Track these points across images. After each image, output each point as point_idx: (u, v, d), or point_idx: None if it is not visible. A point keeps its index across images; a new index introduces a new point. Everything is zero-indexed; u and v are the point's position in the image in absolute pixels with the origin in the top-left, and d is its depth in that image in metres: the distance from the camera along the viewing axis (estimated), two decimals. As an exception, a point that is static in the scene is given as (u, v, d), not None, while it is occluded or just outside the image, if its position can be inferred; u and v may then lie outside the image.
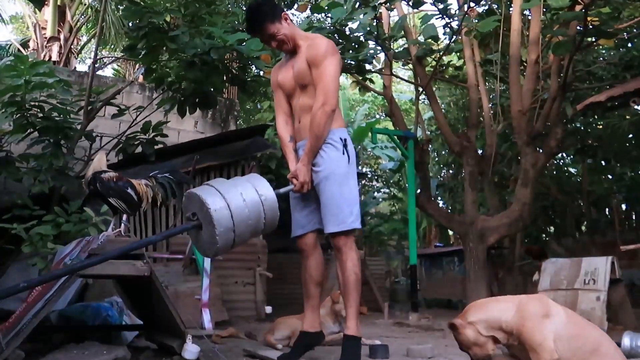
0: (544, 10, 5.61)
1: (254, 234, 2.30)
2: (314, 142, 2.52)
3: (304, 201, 2.66)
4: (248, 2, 8.75)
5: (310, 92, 2.59)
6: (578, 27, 5.06)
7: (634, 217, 9.71)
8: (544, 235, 10.26)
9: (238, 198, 2.15)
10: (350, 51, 5.36)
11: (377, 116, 15.35)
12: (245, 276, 5.46)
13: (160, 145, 5.16)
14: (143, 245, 2.42)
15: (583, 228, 9.94)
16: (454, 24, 5.58)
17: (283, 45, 2.65)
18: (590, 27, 4.73)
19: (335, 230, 2.52)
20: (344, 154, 2.57)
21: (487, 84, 7.05)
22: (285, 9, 2.71)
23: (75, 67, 9.64)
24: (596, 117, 7.81)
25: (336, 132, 2.59)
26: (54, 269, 2.84)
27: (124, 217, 2.80)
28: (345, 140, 2.60)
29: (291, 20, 2.72)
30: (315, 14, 6.92)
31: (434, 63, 6.33)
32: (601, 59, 7.13)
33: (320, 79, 2.52)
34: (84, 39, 11.88)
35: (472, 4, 5.27)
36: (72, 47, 9.43)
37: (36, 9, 9.06)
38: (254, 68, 5.68)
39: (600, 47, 6.89)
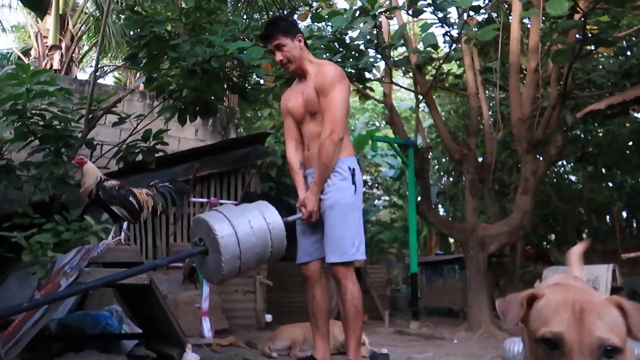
0: (543, 18, 5.63)
1: (260, 262, 2.29)
2: (322, 172, 2.52)
3: (311, 228, 2.64)
4: (248, 11, 8.80)
5: (319, 119, 2.59)
6: (577, 36, 5.09)
7: (634, 225, 9.70)
8: (544, 243, 10.24)
9: (246, 225, 2.14)
10: (351, 59, 5.38)
11: (378, 124, 15.38)
12: (246, 284, 5.45)
13: (160, 153, 5.17)
14: (147, 270, 2.41)
15: (584, 236, 9.92)
16: (454, 33, 5.61)
17: (287, 62, 2.65)
18: (590, 35, 4.75)
19: (335, 260, 2.51)
20: (352, 183, 2.56)
21: (487, 91, 7.07)
22: (302, 33, 2.72)
23: (76, 76, 9.67)
24: (596, 124, 7.82)
25: (345, 161, 2.58)
26: (53, 278, 2.83)
27: (124, 225, 2.80)
28: (353, 169, 2.59)
29: (306, 45, 2.73)
30: (315, 23, 6.95)
31: (434, 71, 6.35)
32: (600, 67, 7.15)
33: (328, 107, 2.52)
34: (85, 47, 11.92)
35: (471, 13, 5.29)
36: (73, 55, 9.46)
37: (38, 18, 9.12)
38: (254, 76, 5.70)
39: (600, 55, 6.92)
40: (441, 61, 6.08)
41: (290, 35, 2.62)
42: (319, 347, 2.63)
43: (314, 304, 2.62)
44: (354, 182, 2.57)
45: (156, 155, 5.06)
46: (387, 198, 13.75)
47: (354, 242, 2.52)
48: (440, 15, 5.35)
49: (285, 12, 8.57)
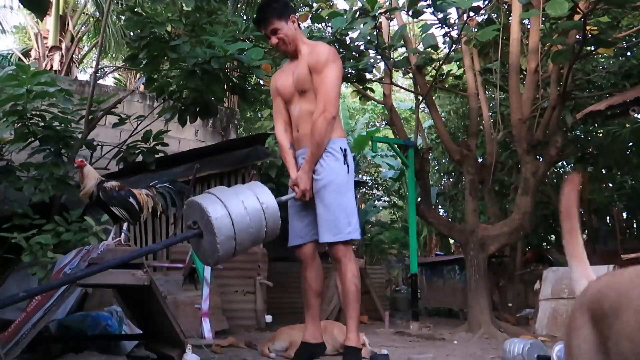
0: (543, 19, 5.63)
1: (255, 242, 2.29)
2: (315, 150, 2.51)
3: (303, 211, 2.65)
4: (249, 12, 8.80)
5: (309, 98, 2.59)
6: (577, 36, 5.09)
7: (635, 226, 9.69)
8: (545, 244, 10.23)
9: (239, 206, 2.14)
10: (351, 60, 5.38)
11: (377, 125, 15.38)
12: (246, 285, 5.44)
13: (160, 154, 5.17)
14: (143, 254, 2.42)
15: (584, 237, 9.91)
16: (454, 33, 5.60)
17: (283, 44, 2.65)
18: (590, 36, 4.75)
19: (331, 240, 2.51)
20: (344, 163, 2.57)
21: (486, 92, 7.07)
22: (295, 12, 2.72)
23: (76, 76, 9.67)
24: (596, 125, 7.81)
25: (337, 142, 2.58)
26: (53, 279, 2.84)
27: (124, 226, 2.80)
28: (345, 150, 2.60)
29: (299, 25, 2.73)
30: (315, 24, 6.96)
31: (433, 72, 6.35)
32: (600, 67, 7.15)
33: (321, 85, 2.52)
34: (86, 48, 11.93)
35: (471, 14, 5.30)
36: (73, 56, 9.47)
37: (38, 19, 9.12)
38: (254, 77, 5.70)
39: (600, 55, 6.92)
40: (441, 62, 6.08)
41: (284, 18, 2.62)
42: (310, 328, 2.64)
43: (306, 284, 2.64)
44: (346, 162, 2.57)
45: (156, 156, 5.07)
46: (387, 199, 13.74)
47: (349, 221, 2.52)
48: (440, 16, 5.35)
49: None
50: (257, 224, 2.17)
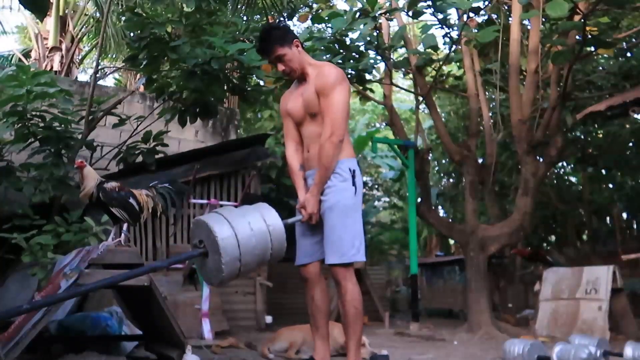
0: (543, 20, 5.64)
1: (260, 264, 2.29)
2: (322, 174, 2.51)
3: (311, 230, 2.63)
4: (249, 13, 8.81)
5: (319, 120, 2.58)
6: (577, 37, 5.09)
7: (635, 226, 9.69)
8: (545, 245, 10.23)
9: (245, 227, 2.14)
10: (351, 61, 5.38)
11: (378, 125, 15.39)
12: (246, 286, 5.45)
13: (160, 155, 5.17)
14: (147, 272, 2.41)
15: (584, 237, 9.92)
16: (454, 34, 5.61)
17: (289, 70, 2.64)
18: (589, 36, 4.76)
19: (335, 262, 2.50)
20: (352, 185, 2.56)
21: (487, 93, 7.07)
22: (297, 37, 2.70)
23: (76, 77, 9.67)
24: (596, 126, 7.82)
25: (345, 162, 2.57)
26: (53, 279, 2.84)
27: (124, 226, 2.80)
28: (354, 171, 2.58)
29: (303, 47, 2.72)
30: (315, 25, 6.96)
31: (434, 72, 6.36)
32: (600, 68, 7.15)
33: (329, 109, 2.51)
34: (86, 49, 11.93)
35: (471, 14, 5.30)
36: (73, 57, 9.46)
37: (38, 20, 9.12)
38: (254, 78, 5.70)
39: (600, 56, 6.92)
40: (441, 62, 6.08)
41: (287, 44, 2.60)
42: (319, 349, 2.63)
43: (313, 306, 2.62)
44: (354, 184, 2.56)
45: (156, 156, 5.06)
46: (387, 199, 13.76)
47: (353, 244, 2.51)
48: (440, 16, 5.36)
49: (285, 14, 8.58)
50: (262, 245, 2.17)
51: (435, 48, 5.84)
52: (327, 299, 2.68)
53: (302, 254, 2.66)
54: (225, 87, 4.97)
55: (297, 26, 10.15)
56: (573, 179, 10.50)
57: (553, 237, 10.75)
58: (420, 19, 5.81)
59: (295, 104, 2.67)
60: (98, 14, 9.29)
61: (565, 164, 9.61)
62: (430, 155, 7.81)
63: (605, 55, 6.99)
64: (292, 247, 2.76)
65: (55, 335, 3.15)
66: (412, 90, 7.01)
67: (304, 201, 2.54)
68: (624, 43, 6.43)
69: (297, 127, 2.72)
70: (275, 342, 3.44)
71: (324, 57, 5.26)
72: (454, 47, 5.77)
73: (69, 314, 3.43)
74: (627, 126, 7.13)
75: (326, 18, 5.49)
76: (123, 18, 6.54)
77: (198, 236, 2.18)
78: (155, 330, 2.93)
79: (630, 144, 8.26)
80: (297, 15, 6.70)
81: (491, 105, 6.97)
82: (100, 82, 9.12)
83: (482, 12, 5.54)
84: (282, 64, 2.62)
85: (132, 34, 5.09)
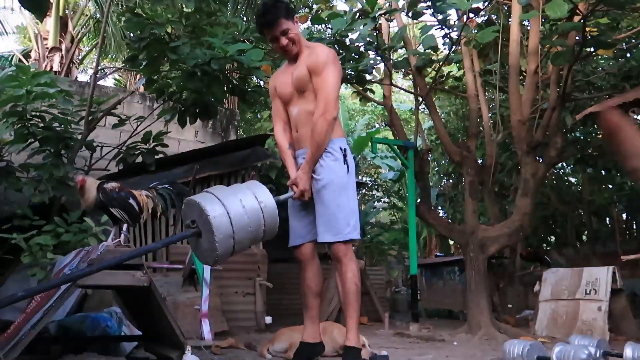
0: (543, 20, 5.64)
1: (253, 241, 2.29)
2: (315, 151, 2.51)
3: (303, 210, 2.65)
4: (249, 14, 8.80)
5: (308, 98, 2.59)
6: (577, 38, 5.09)
7: (634, 227, 9.69)
8: (544, 245, 10.23)
9: (237, 205, 2.14)
10: (351, 61, 5.38)
11: (377, 126, 15.39)
12: (245, 286, 5.44)
13: (160, 155, 5.17)
14: (142, 253, 2.41)
15: (584, 238, 9.92)
16: (454, 35, 5.61)
17: (292, 45, 2.63)
18: (589, 37, 4.76)
19: (330, 240, 2.51)
20: (344, 163, 2.57)
21: (486, 93, 7.07)
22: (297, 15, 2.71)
23: (76, 77, 9.68)
24: (596, 126, 7.82)
25: (336, 142, 2.59)
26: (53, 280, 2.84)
27: (124, 227, 2.80)
28: (345, 150, 2.60)
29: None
30: (315, 25, 6.96)
31: (433, 73, 6.36)
32: (600, 69, 7.16)
33: (321, 87, 2.52)
34: (86, 49, 11.93)
35: (471, 15, 5.30)
36: (73, 57, 9.47)
37: (38, 20, 9.13)
38: (254, 78, 5.70)
39: (599, 57, 6.92)
40: (441, 63, 6.08)
41: (291, 18, 2.61)
42: (309, 329, 2.64)
43: (305, 285, 2.64)
44: (345, 162, 2.57)
45: (156, 157, 5.07)
46: (387, 200, 13.75)
47: (348, 222, 2.52)
48: (440, 17, 5.35)
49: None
50: (255, 222, 2.17)
51: (435, 49, 5.84)
52: (318, 279, 2.68)
53: (295, 235, 2.67)
54: (225, 88, 4.97)
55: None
56: (573, 180, 10.50)
57: (553, 238, 10.75)
58: (420, 19, 5.81)
59: (285, 82, 2.67)
60: (98, 15, 9.30)
61: (565, 164, 9.61)
62: (430, 155, 7.81)
63: (605, 56, 6.99)
64: (287, 246, 2.77)
65: (55, 335, 3.15)
66: (412, 90, 7.02)
67: (296, 178, 2.54)
68: (624, 44, 6.43)
69: (285, 106, 2.72)
70: (275, 342, 3.44)
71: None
72: (453, 47, 5.77)
73: (68, 314, 3.43)
74: (627, 127, 7.12)
75: (326, 19, 5.49)
76: (123, 18, 6.55)
77: (190, 216, 2.18)
78: (155, 330, 2.93)
79: (630, 145, 8.26)
80: (297, 15, 6.68)
81: (491, 106, 6.97)
82: (100, 83, 9.13)
83: (481, 12, 5.54)
84: (285, 37, 2.61)
85: (132, 35, 5.09)
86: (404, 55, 6.66)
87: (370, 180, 14.05)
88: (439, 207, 11.44)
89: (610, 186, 9.28)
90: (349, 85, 6.42)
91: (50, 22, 9.04)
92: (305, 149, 2.59)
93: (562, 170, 10.12)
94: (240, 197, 2.17)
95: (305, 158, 2.54)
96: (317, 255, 2.72)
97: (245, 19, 8.57)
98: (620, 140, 1.00)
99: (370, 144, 7.32)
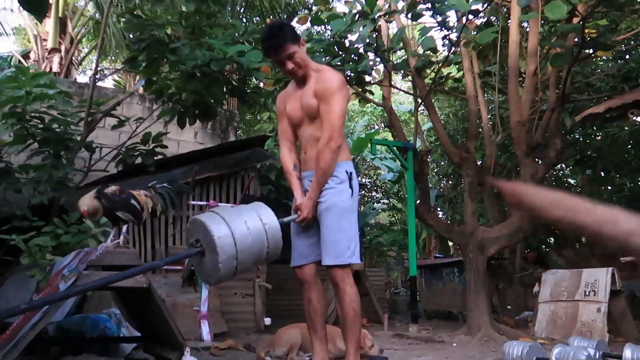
0: (542, 22, 5.64)
1: (256, 262, 2.30)
2: (320, 179, 2.52)
3: (307, 231, 2.64)
4: (249, 15, 8.82)
5: (317, 124, 2.58)
6: (576, 39, 5.10)
7: (634, 228, 9.67)
8: (544, 247, 10.23)
9: (242, 226, 2.15)
10: (350, 63, 5.39)
11: (377, 127, 15.39)
12: (244, 287, 5.44)
13: (160, 156, 5.17)
14: (145, 270, 2.42)
15: (583, 239, 9.91)
16: (453, 36, 5.61)
17: (297, 69, 2.62)
18: (588, 39, 4.77)
19: (331, 263, 2.51)
20: (348, 187, 2.57)
21: (486, 95, 7.07)
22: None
23: (75, 79, 9.67)
24: (595, 128, 7.83)
25: (342, 165, 2.58)
26: (52, 281, 2.83)
27: (124, 228, 2.80)
28: (350, 173, 2.59)
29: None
30: (315, 26, 6.97)
31: (433, 74, 6.36)
32: (599, 70, 7.17)
33: (328, 115, 2.51)
34: (85, 50, 11.94)
35: (470, 16, 5.31)
36: (72, 58, 9.47)
37: (37, 21, 9.12)
38: (254, 79, 5.71)
39: (599, 58, 6.93)
40: (440, 64, 6.09)
41: (297, 42, 2.59)
42: (318, 351, 2.63)
43: (310, 308, 2.62)
44: (350, 186, 2.57)
45: (155, 158, 5.07)
46: (387, 201, 13.75)
47: (349, 246, 2.52)
48: (439, 18, 5.36)
49: (285, 16, 8.58)
50: (259, 244, 2.18)
51: (434, 50, 5.85)
52: (323, 301, 2.68)
53: (298, 255, 2.66)
54: (225, 89, 4.98)
55: (296, 28, 10.09)
56: (572, 181, 10.50)
57: (552, 239, 10.75)
58: (419, 21, 5.82)
59: (295, 107, 2.67)
60: (98, 16, 9.30)
61: (564, 165, 9.62)
62: (430, 157, 7.82)
63: (604, 58, 7.00)
64: (289, 247, 2.76)
65: (54, 337, 3.14)
66: (411, 92, 7.02)
67: (301, 204, 2.54)
68: (623, 45, 6.44)
69: (294, 128, 2.72)
70: (276, 347, 3.43)
71: (324, 59, 5.26)
72: (453, 49, 5.78)
73: (67, 315, 3.43)
74: (626, 128, 7.13)
75: (325, 20, 5.49)
76: (123, 19, 6.55)
77: (195, 235, 2.19)
78: (154, 332, 2.93)
79: (629, 146, 8.27)
80: (296, 17, 6.70)
81: (490, 107, 6.98)
82: (100, 84, 9.14)
83: (481, 14, 5.55)
84: (292, 62, 2.59)
85: (131, 36, 5.10)
86: (403, 56, 6.67)
87: (369, 182, 14.04)
88: (439, 208, 11.43)
89: (610, 187, 9.28)
90: (348, 86, 6.42)
91: (49, 23, 9.04)
92: (311, 171, 2.60)
93: (561, 172, 10.12)
94: (245, 218, 2.19)
95: (311, 185, 2.55)
96: (319, 277, 2.71)
97: (244, 20, 8.58)
98: (529, 203, 1.03)
99: (369, 145, 7.33)
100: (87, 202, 2.58)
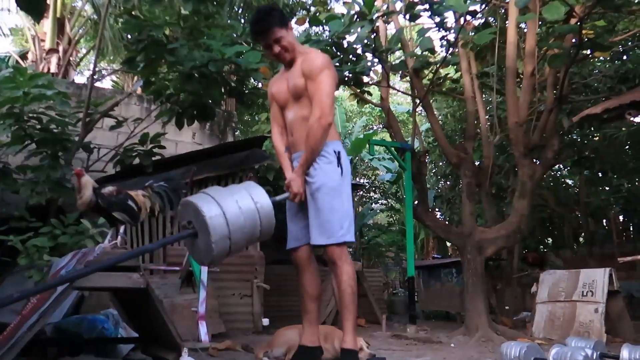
0: (540, 23, 5.66)
1: (250, 242, 2.29)
2: (309, 155, 2.53)
3: (299, 213, 2.65)
4: (247, 15, 8.81)
5: (304, 103, 2.60)
6: (573, 40, 5.11)
7: (631, 229, 9.71)
8: (541, 247, 10.25)
9: (234, 205, 2.14)
10: (348, 63, 5.39)
11: (375, 128, 15.40)
12: (243, 288, 5.44)
13: (158, 157, 5.17)
14: (138, 253, 2.42)
15: (581, 240, 9.93)
16: (451, 37, 5.62)
17: (285, 53, 2.64)
18: (586, 39, 4.78)
19: (323, 242, 2.52)
20: (337, 166, 2.58)
21: (483, 96, 7.08)
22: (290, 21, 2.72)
23: (73, 79, 9.67)
24: (592, 129, 7.84)
25: (330, 145, 2.60)
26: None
27: (121, 229, 2.80)
28: (339, 152, 2.61)
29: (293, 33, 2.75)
30: (313, 27, 6.98)
31: (431, 75, 6.37)
32: (597, 71, 7.18)
33: (317, 92, 2.53)
34: (83, 51, 11.92)
35: (468, 17, 5.31)
36: (70, 59, 9.46)
37: (35, 22, 9.11)
38: (252, 80, 5.71)
39: (596, 59, 6.94)
40: (438, 65, 6.10)
41: (284, 26, 2.62)
42: (307, 332, 2.64)
43: (302, 289, 2.65)
44: (339, 165, 2.58)
45: (153, 158, 5.06)
46: (385, 202, 13.76)
47: (342, 225, 2.53)
48: (437, 19, 5.37)
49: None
50: (251, 223, 2.17)
51: (432, 51, 5.85)
52: (316, 283, 2.69)
53: (292, 238, 2.69)
54: (223, 90, 4.97)
55: (294, 29, 10.09)
56: (570, 182, 10.52)
57: (550, 240, 10.77)
58: (417, 21, 5.82)
59: (281, 88, 2.70)
60: (95, 16, 9.29)
61: (561, 166, 9.63)
62: (428, 157, 7.82)
63: (601, 58, 7.02)
64: (287, 248, 2.77)
65: (51, 337, 3.14)
66: (409, 92, 7.03)
67: (289, 180, 2.55)
68: (620, 46, 6.45)
69: (281, 111, 2.74)
70: (274, 348, 3.42)
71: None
72: (450, 50, 5.78)
73: (65, 316, 3.42)
74: (624, 129, 7.15)
75: (324, 21, 5.50)
76: (121, 20, 6.55)
77: (186, 217, 2.18)
78: (152, 332, 2.93)
79: (627, 147, 8.29)
80: (295, 18, 6.71)
81: (488, 108, 6.99)
82: (98, 84, 9.12)
83: (478, 15, 5.56)
84: (278, 45, 2.62)
85: (129, 36, 5.09)
86: (401, 57, 6.68)
87: (367, 182, 14.05)
88: (437, 209, 11.44)
89: (607, 188, 9.30)
90: (346, 87, 6.42)
91: (47, 24, 9.03)
92: (300, 152, 2.61)
93: (559, 172, 10.13)
94: (237, 197, 2.18)
95: (299, 161, 2.56)
96: (315, 259, 2.72)
97: (242, 21, 8.57)
98: None
99: (367, 145, 7.34)
100: (86, 175, 2.59)
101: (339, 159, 2.59)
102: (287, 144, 2.74)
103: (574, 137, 8.20)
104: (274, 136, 2.78)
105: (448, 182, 11.53)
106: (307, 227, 2.63)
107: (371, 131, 14.33)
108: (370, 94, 6.72)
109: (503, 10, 6.07)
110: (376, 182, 14.04)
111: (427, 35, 5.48)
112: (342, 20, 5.15)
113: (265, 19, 2.61)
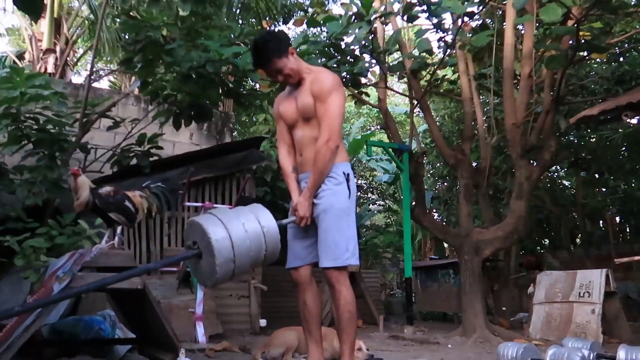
0: (537, 25, 5.67)
1: (254, 265, 2.28)
2: (317, 178, 2.51)
3: (303, 233, 2.63)
4: (245, 16, 8.81)
5: (313, 124, 2.58)
6: (570, 42, 5.13)
7: (628, 230, 9.74)
8: (538, 248, 10.27)
9: (240, 229, 2.13)
10: (346, 65, 5.39)
11: (372, 129, 15.41)
12: (240, 289, 5.43)
13: (155, 157, 5.16)
14: (141, 273, 2.41)
15: (578, 241, 9.96)
16: (448, 38, 5.63)
17: (289, 78, 2.63)
18: (583, 41, 4.79)
19: (329, 265, 2.50)
20: (346, 188, 2.57)
21: (481, 97, 7.10)
22: (291, 44, 2.68)
23: (70, 79, 9.65)
24: (589, 130, 7.87)
25: (339, 166, 2.58)
26: (46, 282, 2.82)
27: (118, 229, 2.79)
28: (348, 174, 2.58)
29: (297, 53, 2.71)
30: (311, 28, 6.98)
31: (428, 76, 6.38)
32: (594, 73, 7.21)
33: (325, 114, 2.51)
34: (80, 51, 11.90)
35: (465, 19, 5.33)
36: (68, 59, 9.44)
37: (32, 22, 9.09)
38: (249, 81, 5.70)
39: (593, 61, 6.97)
40: (436, 67, 6.11)
41: (283, 54, 2.56)
42: (313, 353, 2.63)
43: (305, 310, 2.61)
44: (348, 187, 2.57)
45: (151, 159, 5.05)
46: (382, 202, 13.76)
47: (347, 247, 2.51)
48: (435, 21, 5.38)
49: (280, 18, 8.57)
50: (256, 247, 2.17)
51: (430, 52, 5.87)
52: (318, 303, 2.68)
53: (293, 256, 2.65)
54: (220, 91, 4.97)
55: (292, 30, 10.14)
56: (567, 183, 10.55)
57: (547, 241, 10.79)
58: (415, 23, 5.83)
59: (289, 108, 2.66)
60: (93, 16, 9.27)
61: (559, 168, 9.66)
62: (425, 158, 7.83)
63: (598, 60, 7.04)
64: (285, 249, 2.76)
65: (48, 338, 3.13)
66: (407, 94, 7.04)
67: (297, 204, 2.54)
68: (617, 48, 6.48)
69: (289, 130, 2.71)
70: (271, 348, 3.42)
71: (319, 61, 5.27)
72: (448, 51, 5.80)
73: (61, 317, 3.41)
74: (620, 131, 7.17)
75: (321, 22, 5.50)
76: (118, 20, 6.54)
77: (192, 237, 2.17)
78: (149, 333, 2.92)
79: (623, 149, 8.31)
80: (292, 19, 6.71)
81: (485, 109, 7.00)
82: (95, 85, 9.10)
83: (476, 16, 5.57)
84: (281, 75, 2.60)
85: (127, 37, 5.09)
86: (399, 58, 6.69)
87: (365, 183, 14.05)
88: (434, 210, 11.45)
89: (604, 189, 9.33)
90: (344, 87, 6.42)
91: (44, 24, 9.00)
92: (308, 172, 2.58)
93: (556, 174, 10.16)
94: (243, 220, 2.17)
95: (307, 184, 2.54)
96: (314, 279, 2.70)
97: (240, 22, 8.57)
98: None
99: (365, 146, 7.33)
100: (83, 176, 2.58)
101: (347, 180, 2.57)
102: (294, 164, 2.71)
103: (571, 138, 8.22)
104: (281, 156, 2.73)
105: (445, 183, 11.54)
106: (310, 246, 2.61)
107: (369, 132, 14.33)
108: (368, 95, 6.73)
109: (500, 12, 6.08)
110: (374, 183, 14.05)
111: (424, 36, 5.49)
112: (340, 22, 5.16)
113: (262, 54, 2.58)
